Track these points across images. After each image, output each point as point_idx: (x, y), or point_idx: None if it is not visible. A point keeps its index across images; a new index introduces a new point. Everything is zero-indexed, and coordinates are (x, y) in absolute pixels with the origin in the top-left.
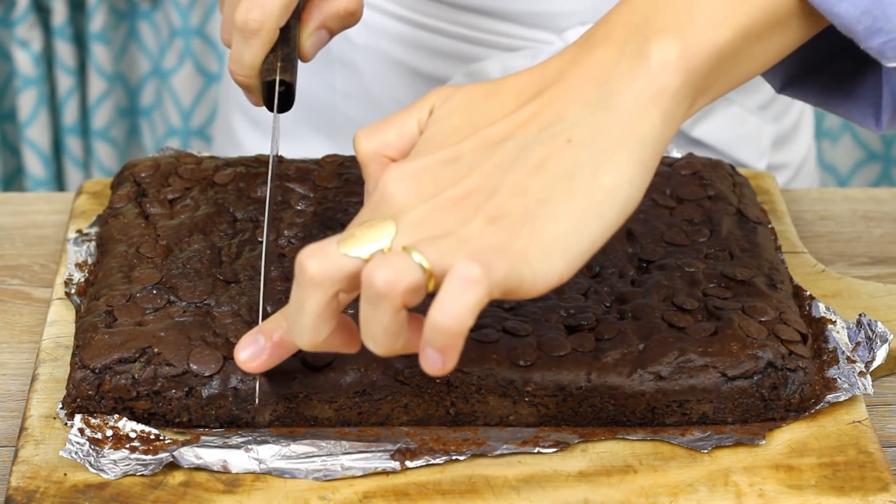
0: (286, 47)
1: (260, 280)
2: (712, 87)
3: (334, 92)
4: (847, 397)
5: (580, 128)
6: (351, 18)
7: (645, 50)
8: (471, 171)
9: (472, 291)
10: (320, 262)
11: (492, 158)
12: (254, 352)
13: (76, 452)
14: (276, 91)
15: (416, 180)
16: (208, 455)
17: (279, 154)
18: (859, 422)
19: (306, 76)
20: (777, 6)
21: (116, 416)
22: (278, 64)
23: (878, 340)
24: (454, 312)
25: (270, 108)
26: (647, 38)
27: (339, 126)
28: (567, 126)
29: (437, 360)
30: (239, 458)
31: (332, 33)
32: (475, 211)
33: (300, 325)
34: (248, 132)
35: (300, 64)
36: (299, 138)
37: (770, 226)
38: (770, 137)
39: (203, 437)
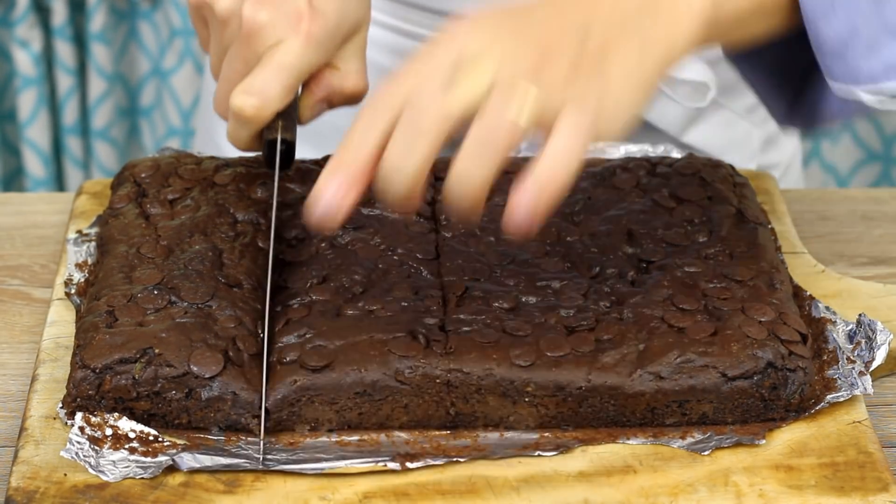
0: (287, 106)
1: (263, 282)
2: (713, 39)
3: None
4: (847, 397)
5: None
6: (355, 99)
7: None
8: (539, 23)
9: (584, 137)
10: (439, 109)
11: (558, 20)
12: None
13: (76, 453)
14: (278, 151)
15: (491, 20)
16: (208, 461)
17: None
18: (859, 422)
19: None
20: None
21: (116, 414)
22: (280, 123)
23: (878, 340)
24: (570, 153)
25: (270, 165)
26: None
27: (323, 134)
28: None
29: (527, 217)
30: (238, 464)
31: (332, 107)
32: (560, 53)
33: (405, 169)
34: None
35: None
36: None
37: (770, 226)
38: (759, 140)
39: (203, 447)
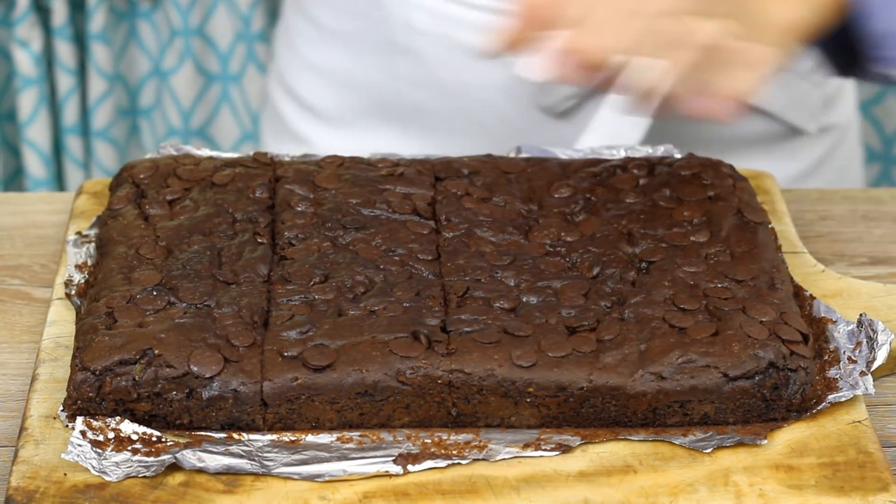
0: None
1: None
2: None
3: (399, 80)
4: (849, 397)
5: None
6: None
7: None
8: None
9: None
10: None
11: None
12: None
13: (78, 455)
14: None
15: None
16: (210, 459)
17: (290, 155)
18: (859, 422)
19: (367, 67)
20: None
21: (118, 418)
22: None
23: (880, 340)
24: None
25: None
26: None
27: (405, 114)
28: None
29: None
30: (241, 464)
31: None
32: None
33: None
34: (306, 123)
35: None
36: (366, 129)
37: (770, 226)
38: (819, 100)
39: (205, 444)
